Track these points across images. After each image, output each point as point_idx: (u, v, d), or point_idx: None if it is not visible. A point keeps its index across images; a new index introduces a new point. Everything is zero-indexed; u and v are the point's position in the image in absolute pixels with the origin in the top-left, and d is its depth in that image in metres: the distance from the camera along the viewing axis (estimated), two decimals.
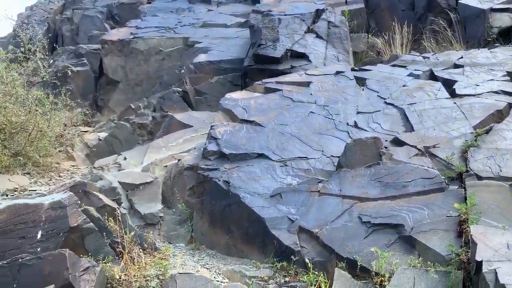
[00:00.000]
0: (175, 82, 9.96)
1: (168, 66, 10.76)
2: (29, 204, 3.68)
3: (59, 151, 8.06)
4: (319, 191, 4.79)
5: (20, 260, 3.38)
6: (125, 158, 7.50)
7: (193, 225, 5.40)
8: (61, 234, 3.64)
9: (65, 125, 8.97)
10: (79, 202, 3.87)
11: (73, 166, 8.08)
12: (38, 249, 3.56)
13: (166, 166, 6.37)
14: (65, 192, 3.93)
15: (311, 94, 6.41)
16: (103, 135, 9.36)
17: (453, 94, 6.07)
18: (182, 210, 5.60)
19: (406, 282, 3.74)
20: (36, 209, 3.68)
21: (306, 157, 5.29)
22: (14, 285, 3.31)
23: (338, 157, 5.16)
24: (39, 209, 3.68)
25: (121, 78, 11.07)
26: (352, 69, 7.37)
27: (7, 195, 5.64)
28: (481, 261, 3.37)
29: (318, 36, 8.89)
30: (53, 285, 3.25)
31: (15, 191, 5.89)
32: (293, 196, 4.82)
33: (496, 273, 3.22)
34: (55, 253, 3.40)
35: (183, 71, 9.84)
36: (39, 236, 3.60)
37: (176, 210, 5.68)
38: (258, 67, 8.39)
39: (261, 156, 5.42)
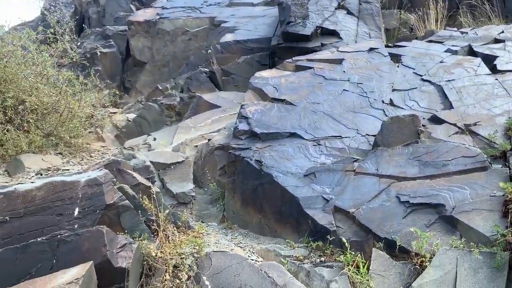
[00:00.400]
0: (202, 63, 9.90)
1: (195, 46, 10.70)
2: (66, 181, 3.69)
3: (89, 132, 8.14)
4: (354, 170, 4.66)
5: (58, 236, 3.39)
6: (154, 139, 7.51)
7: (224, 205, 5.36)
8: (97, 211, 3.64)
9: (94, 106, 9.03)
10: (115, 179, 3.86)
11: (103, 146, 8.16)
12: (76, 226, 3.57)
13: (197, 146, 6.34)
14: (101, 169, 3.92)
15: (344, 71, 6.22)
16: (131, 116, 9.42)
17: (494, 70, 5.81)
18: (213, 189, 5.57)
19: (448, 263, 3.62)
20: (72, 186, 3.68)
21: (340, 136, 5.15)
22: (54, 261, 3.32)
23: (374, 135, 5.01)
24: (75, 186, 3.68)
25: (148, 59, 11.07)
26: (386, 46, 7.13)
27: (41, 174, 5.72)
28: None
29: (349, 13, 8.63)
30: (92, 261, 3.24)
31: (48, 170, 5.97)
32: (328, 175, 4.70)
33: None
34: (93, 230, 3.40)
35: (209, 51, 9.75)
36: (76, 213, 3.61)
37: (207, 190, 5.65)
38: (287, 45, 8.21)
39: (293, 135, 5.30)
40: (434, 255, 3.71)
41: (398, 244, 3.86)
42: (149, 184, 4.47)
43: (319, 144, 5.10)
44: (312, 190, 4.61)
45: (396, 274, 3.79)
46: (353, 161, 4.79)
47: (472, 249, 3.61)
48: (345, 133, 5.18)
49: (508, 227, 3.68)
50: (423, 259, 3.70)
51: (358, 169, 4.66)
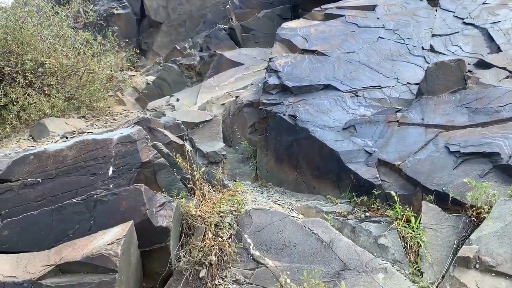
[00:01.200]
0: (220, 20, 9.50)
1: (211, 3, 10.25)
2: (98, 139, 3.49)
3: (110, 95, 7.92)
4: (398, 121, 4.37)
5: (95, 196, 3.22)
6: (177, 100, 7.27)
7: (257, 163, 5.15)
8: (133, 169, 3.45)
9: (111, 70, 8.78)
10: (148, 136, 3.64)
11: (124, 110, 7.96)
12: (111, 186, 3.40)
13: (223, 104, 6.08)
14: (132, 127, 3.70)
15: (378, 18, 5.81)
16: (150, 78, 9.17)
17: None
18: (244, 148, 5.35)
19: (509, 214, 3.36)
20: (105, 144, 3.48)
21: (379, 86, 4.83)
22: (91, 222, 3.17)
23: (416, 84, 4.69)
24: (108, 145, 3.48)
25: (164, 19, 10.67)
26: None
27: (66, 138, 5.55)
28: None
29: None
30: (132, 221, 3.08)
31: (73, 133, 5.80)
32: (369, 127, 4.42)
33: None
34: (130, 188, 3.22)
35: (228, 7, 9.33)
36: (110, 172, 3.43)
37: (238, 148, 5.43)
38: None
39: (328, 87, 5.00)
40: (491, 206, 3.46)
41: (450, 196, 3.60)
42: (182, 142, 4.26)
43: (357, 95, 4.79)
44: (353, 143, 4.34)
45: (450, 227, 3.56)
46: (396, 111, 4.49)
47: None
48: (384, 82, 4.86)
49: None
50: (481, 210, 3.45)
51: (401, 120, 4.36)
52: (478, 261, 3.23)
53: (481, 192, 3.47)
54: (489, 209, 3.44)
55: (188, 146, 4.26)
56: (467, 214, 3.54)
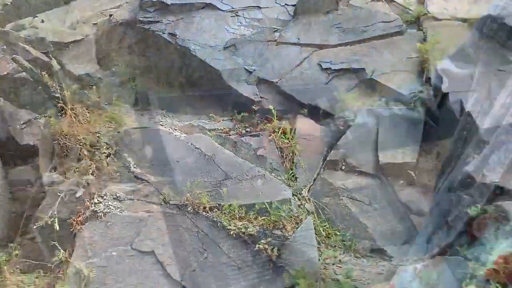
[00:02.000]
0: None
1: None
2: None
3: None
4: (276, 40, 4.47)
5: None
6: (42, 21, 6.45)
7: (136, 86, 4.91)
8: None
9: None
10: (5, 47, 3.21)
11: None
12: None
13: (96, 24, 5.57)
14: None
15: None
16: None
17: None
18: (122, 71, 5.03)
19: (370, 122, 3.76)
20: None
21: (258, 6, 4.84)
22: None
23: (293, 5, 4.80)
24: None
25: None
26: None
27: None
28: (447, 93, 3.42)
29: None
30: None
31: None
32: (249, 46, 4.47)
33: (461, 102, 3.30)
34: None
35: None
36: None
37: (115, 71, 5.09)
38: None
39: (208, 6, 4.86)
40: (356, 116, 3.82)
41: (322, 108, 3.90)
42: (48, 59, 3.85)
43: (237, 15, 4.76)
44: (234, 62, 4.36)
45: (321, 137, 3.87)
46: (274, 31, 4.58)
47: (391, 108, 3.77)
48: (263, 2, 4.88)
49: (423, 85, 3.88)
50: (347, 119, 3.80)
51: (279, 39, 4.48)
52: (344, 164, 3.61)
53: (346, 103, 3.80)
54: (354, 119, 3.80)
55: (56, 64, 3.86)
56: (336, 124, 3.88)
